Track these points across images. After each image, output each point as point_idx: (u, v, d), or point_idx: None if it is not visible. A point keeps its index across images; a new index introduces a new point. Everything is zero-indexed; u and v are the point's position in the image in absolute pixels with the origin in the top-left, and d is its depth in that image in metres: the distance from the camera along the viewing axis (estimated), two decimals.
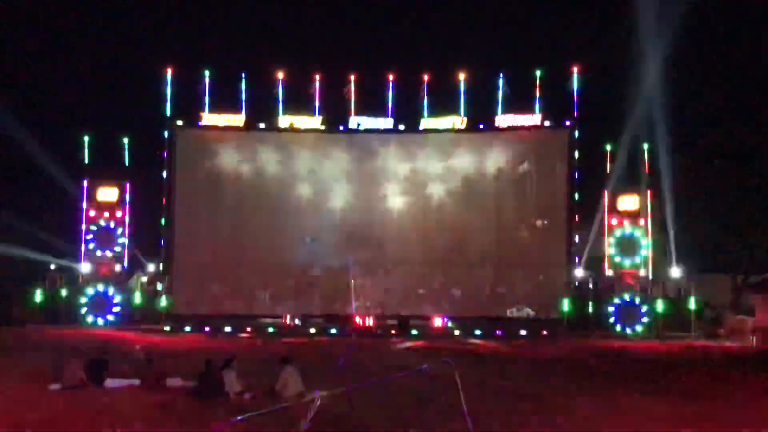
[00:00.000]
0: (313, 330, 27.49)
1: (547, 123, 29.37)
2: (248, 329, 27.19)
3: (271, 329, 27.42)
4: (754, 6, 32.09)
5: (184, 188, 29.45)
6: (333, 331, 27.27)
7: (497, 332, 27.07)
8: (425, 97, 29.95)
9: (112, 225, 28.95)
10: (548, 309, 28.38)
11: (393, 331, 27.14)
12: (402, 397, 14.32)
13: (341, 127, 30.09)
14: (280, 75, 29.83)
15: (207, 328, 27.35)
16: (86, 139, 29.35)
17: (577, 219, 28.79)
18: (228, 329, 27.33)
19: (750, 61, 31.87)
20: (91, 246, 28.76)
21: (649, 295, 27.91)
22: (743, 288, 30.38)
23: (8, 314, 27.79)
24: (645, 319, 27.47)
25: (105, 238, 28.84)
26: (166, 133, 29.52)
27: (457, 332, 27.16)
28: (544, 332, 27.35)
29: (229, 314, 28.34)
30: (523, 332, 27.29)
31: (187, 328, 27.35)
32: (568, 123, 29.14)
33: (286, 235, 29.72)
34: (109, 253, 28.83)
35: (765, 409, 13.90)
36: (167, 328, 27.55)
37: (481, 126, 29.87)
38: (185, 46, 32.25)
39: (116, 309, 28.10)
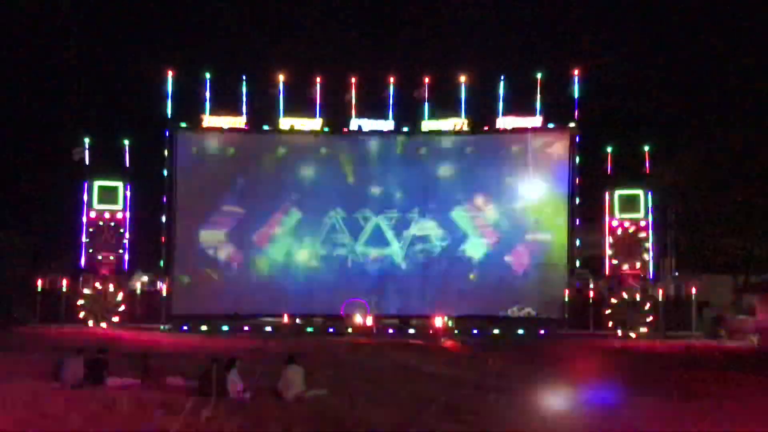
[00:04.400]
0: (311, 329, 27.72)
1: (548, 125, 29.40)
2: (248, 328, 27.53)
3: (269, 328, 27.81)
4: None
5: (184, 189, 29.49)
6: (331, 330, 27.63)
7: (495, 331, 27.22)
8: (426, 99, 29.99)
9: (112, 225, 28.93)
10: (549, 309, 28.40)
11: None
12: (402, 394, 14.33)
13: (342, 129, 30.11)
14: (281, 77, 29.86)
15: (207, 327, 27.43)
16: (87, 140, 29.36)
17: (578, 220, 28.83)
18: (227, 328, 27.46)
19: (751, 61, 31.86)
20: (92, 247, 28.75)
21: (650, 295, 27.92)
22: (744, 288, 30.36)
23: (8, 314, 27.81)
24: (645, 319, 27.46)
25: (105, 238, 28.83)
26: (166, 135, 29.56)
27: (457, 331, 27.32)
28: (545, 332, 27.39)
29: (230, 313, 28.36)
30: (523, 332, 27.36)
31: (187, 328, 27.41)
32: (569, 125, 29.18)
33: (286, 236, 29.73)
34: (109, 254, 28.83)
35: (766, 408, 13.88)
36: (167, 328, 27.61)
37: (483, 128, 29.89)
38: (186, 47, 32.25)
39: (116, 308, 28.08)
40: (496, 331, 27.29)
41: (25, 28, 34.29)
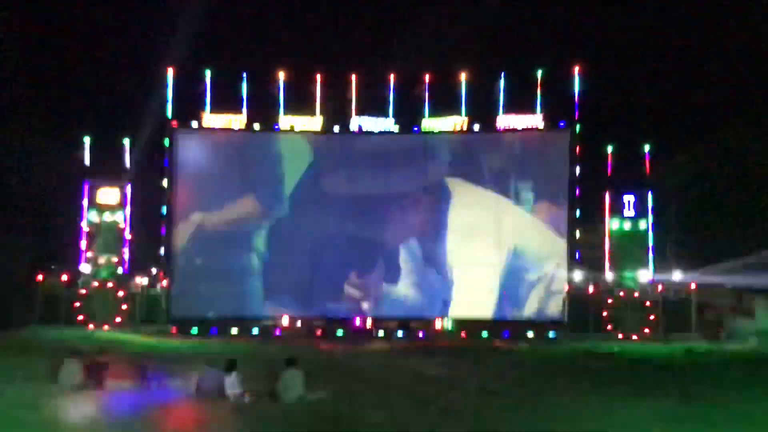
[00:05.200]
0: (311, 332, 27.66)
1: (548, 123, 29.35)
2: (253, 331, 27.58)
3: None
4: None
5: (184, 189, 29.45)
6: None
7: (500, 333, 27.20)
8: (426, 97, 29.95)
9: (112, 226, 28.92)
10: (548, 311, 28.36)
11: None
12: (402, 397, 14.34)
13: (342, 128, 30.07)
14: (281, 75, 29.83)
15: (208, 330, 27.38)
16: (87, 140, 29.33)
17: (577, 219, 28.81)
18: (229, 331, 27.41)
19: (750, 60, 31.83)
20: (91, 247, 28.75)
21: (650, 296, 27.89)
22: (744, 290, 30.29)
23: (8, 315, 27.77)
24: (645, 321, 27.44)
25: (106, 239, 28.82)
26: (166, 134, 29.50)
27: (464, 334, 27.25)
28: (544, 333, 27.35)
29: (230, 316, 28.31)
30: (522, 333, 27.33)
31: (188, 330, 27.38)
32: (569, 123, 29.13)
33: (286, 236, 29.72)
34: (109, 255, 28.83)
35: (765, 411, 13.88)
36: (167, 330, 27.56)
37: (483, 126, 29.86)
38: (186, 45, 32.16)
39: (117, 310, 28.07)
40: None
41: (25, 26, 34.23)
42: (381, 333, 27.95)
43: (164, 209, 29.16)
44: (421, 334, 27.52)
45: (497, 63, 30.37)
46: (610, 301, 27.84)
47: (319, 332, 27.83)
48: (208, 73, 29.67)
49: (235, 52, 33.59)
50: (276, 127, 29.92)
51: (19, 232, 29.82)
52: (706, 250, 30.31)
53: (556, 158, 29.30)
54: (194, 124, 29.70)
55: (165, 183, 29.22)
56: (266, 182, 29.96)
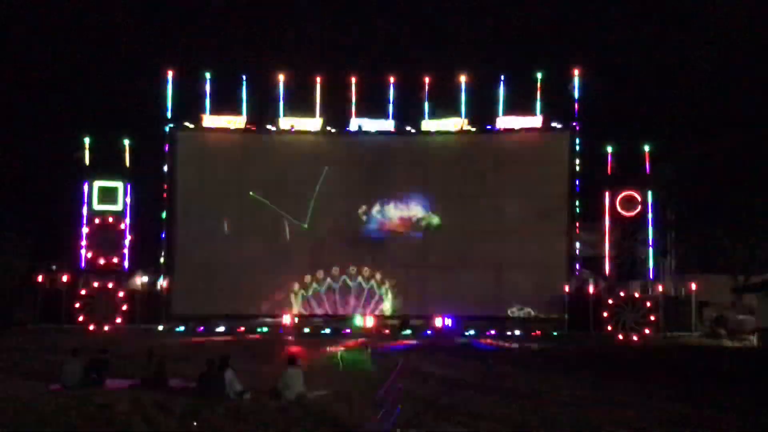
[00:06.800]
0: (309, 330, 27.63)
1: (548, 124, 29.39)
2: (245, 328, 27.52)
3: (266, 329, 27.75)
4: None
5: (184, 189, 29.51)
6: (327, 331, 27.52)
7: (493, 332, 27.18)
8: (426, 99, 30.01)
9: (112, 226, 28.95)
10: (549, 309, 28.39)
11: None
12: (402, 398, 14.32)
13: (342, 129, 30.12)
14: (281, 77, 29.89)
15: (207, 328, 27.39)
16: (87, 140, 29.38)
17: (577, 219, 28.84)
18: (225, 329, 27.41)
19: (750, 64, 31.91)
20: (92, 247, 28.78)
21: (650, 294, 27.92)
22: (744, 288, 30.33)
23: (9, 314, 27.81)
24: (645, 319, 27.46)
25: (106, 239, 28.87)
26: (166, 135, 29.58)
27: (468, 333, 27.24)
28: (545, 332, 27.36)
29: (230, 314, 28.34)
30: (523, 332, 27.33)
31: (188, 328, 27.38)
32: (569, 125, 29.18)
33: (286, 236, 29.72)
34: (109, 254, 28.86)
35: (764, 409, 13.88)
36: (168, 328, 27.57)
37: (483, 128, 29.90)
38: (186, 47, 32.28)
39: (117, 309, 28.09)
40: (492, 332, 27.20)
41: (25, 28, 34.33)
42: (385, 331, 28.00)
43: (164, 208, 29.26)
44: (428, 332, 27.43)
45: (497, 65, 30.46)
46: (610, 301, 27.83)
47: (320, 330, 27.85)
48: (207, 75, 29.81)
49: (234, 53, 33.68)
50: (275, 128, 30.05)
51: (19, 232, 29.88)
52: (706, 249, 30.43)
53: (555, 158, 29.37)
54: (194, 124, 29.80)
55: (165, 182, 29.30)
56: (266, 180, 29.99)
